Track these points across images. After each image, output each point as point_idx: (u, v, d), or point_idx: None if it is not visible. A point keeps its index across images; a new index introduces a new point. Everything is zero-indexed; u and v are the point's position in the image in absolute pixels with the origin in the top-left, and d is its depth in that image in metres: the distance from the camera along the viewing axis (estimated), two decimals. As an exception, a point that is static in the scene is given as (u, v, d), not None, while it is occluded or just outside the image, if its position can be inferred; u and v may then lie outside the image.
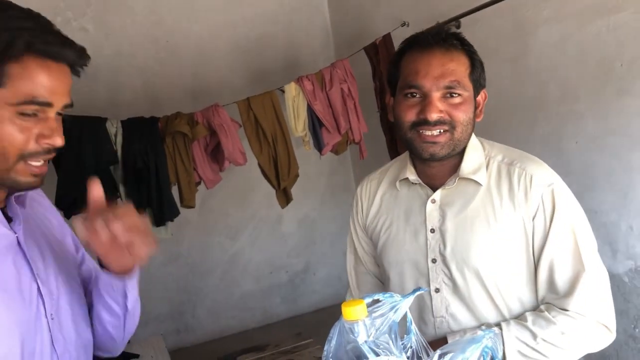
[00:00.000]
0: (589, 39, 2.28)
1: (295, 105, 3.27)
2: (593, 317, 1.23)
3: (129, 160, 3.08)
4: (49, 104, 0.93)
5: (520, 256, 1.29)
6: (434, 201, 1.32)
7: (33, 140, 0.92)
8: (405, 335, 0.87)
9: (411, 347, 0.86)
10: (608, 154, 2.29)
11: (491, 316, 1.29)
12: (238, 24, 4.03)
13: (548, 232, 1.25)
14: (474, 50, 1.32)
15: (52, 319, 1.01)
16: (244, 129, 3.27)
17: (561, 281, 1.25)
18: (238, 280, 4.18)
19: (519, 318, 1.26)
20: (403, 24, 3.29)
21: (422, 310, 1.33)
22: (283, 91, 3.29)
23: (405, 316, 0.88)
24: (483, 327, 1.20)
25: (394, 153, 3.35)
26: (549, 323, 1.21)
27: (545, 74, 2.51)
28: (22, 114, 0.90)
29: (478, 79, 1.31)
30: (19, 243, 1.00)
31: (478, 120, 1.33)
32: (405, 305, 0.84)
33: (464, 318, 1.29)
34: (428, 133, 1.24)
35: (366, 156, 3.54)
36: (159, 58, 3.86)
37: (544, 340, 1.20)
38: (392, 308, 0.83)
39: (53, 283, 1.04)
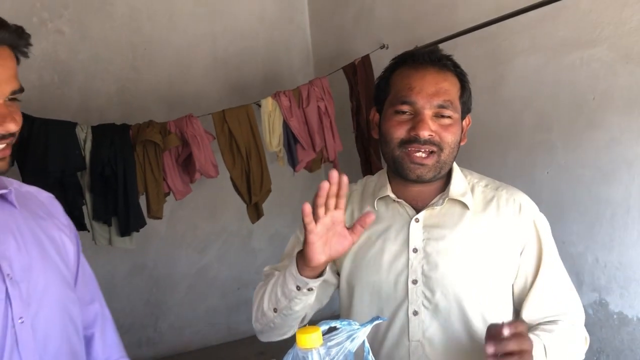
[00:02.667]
0: (563, 71, 2.31)
1: (271, 120, 3.25)
2: (581, 330, 1.29)
3: (96, 167, 3.01)
4: None
5: (505, 281, 1.28)
6: (417, 220, 1.28)
7: None
8: (361, 365, 0.84)
9: (367, 377, 0.83)
10: (577, 185, 2.31)
11: (469, 342, 1.26)
12: (218, 36, 4.01)
13: (538, 264, 1.28)
14: (465, 74, 1.31)
15: (22, 322, 0.98)
16: (218, 141, 3.23)
17: (553, 302, 1.28)
18: (204, 295, 4.10)
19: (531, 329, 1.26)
20: (382, 47, 3.31)
21: (398, 333, 1.27)
22: (259, 105, 3.27)
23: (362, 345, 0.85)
24: None
25: (367, 174, 3.34)
26: (558, 335, 1.23)
27: (520, 103, 2.53)
28: None
29: (466, 103, 1.30)
30: None
31: (462, 144, 1.31)
32: (362, 334, 0.81)
33: (441, 343, 1.25)
34: (417, 154, 1.22)
35: (340, 175, 3.52)
36: (136, 65, 3.80)
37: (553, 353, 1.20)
38: (348, 337, 0.80)
39: (35, 287, 1.01)
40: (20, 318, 0.97)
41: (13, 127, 0.95)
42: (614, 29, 2.09)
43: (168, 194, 3.23)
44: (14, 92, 0.95)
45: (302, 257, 1.10)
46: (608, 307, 2.23)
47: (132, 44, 3.78)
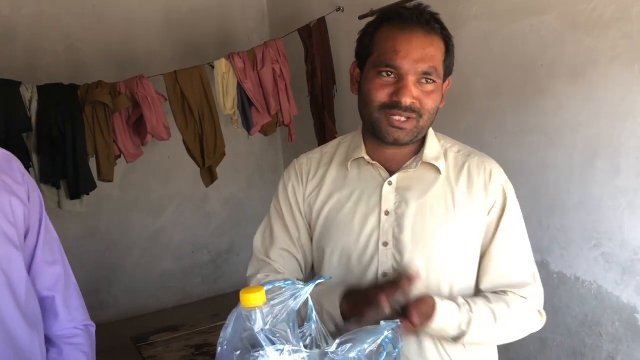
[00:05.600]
0: (513, 38, 2.34)
1: (225, 83, 3.20)
2: (536, 303, 1.32)
3: (43, 128, 2.92)
4: None
5: (474, 247, 1.30)
6: (390, 183, 1.28)
7: None
8: (305, 323, 0.86)
9: (311, 335, 0.86)
10: (524, 150, 2.37)
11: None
12: (170, -7, 3.89)
13: (500, 225, 1.30)
14: (451, 37, 1.28)
15: None
16: (170, 103, 3.17)
17: (510, 271, 1.31)
18: (158, 259, 4.08)
19: (480, 297, 1.30)
20: (338, 9, 3.28)
21: None
22: (213, 67, 3.21)
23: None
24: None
25: (321, 138, 3.35)
26: (507, 305, 1.26)
27: (472, 69, 2.56)
28: None
29: (449, 66, 1.29)
30: None
31: (441, 106, 1.30)
32: (305, 293, 0.82)
33: None
34: (396, 118, 1.20)
35: (295, 139, 3.51)
36: (85, 23, 3.67)
37: (502, 321, 1.25)
38: (292, 296, 0.81)
39: None
40: None
41: None
42: (563, -4, 2.13)
43: (119, 156, 3.17)
44: None
45: (348, 303, 1.17)
46: (549, 267, 2.33)
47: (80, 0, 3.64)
